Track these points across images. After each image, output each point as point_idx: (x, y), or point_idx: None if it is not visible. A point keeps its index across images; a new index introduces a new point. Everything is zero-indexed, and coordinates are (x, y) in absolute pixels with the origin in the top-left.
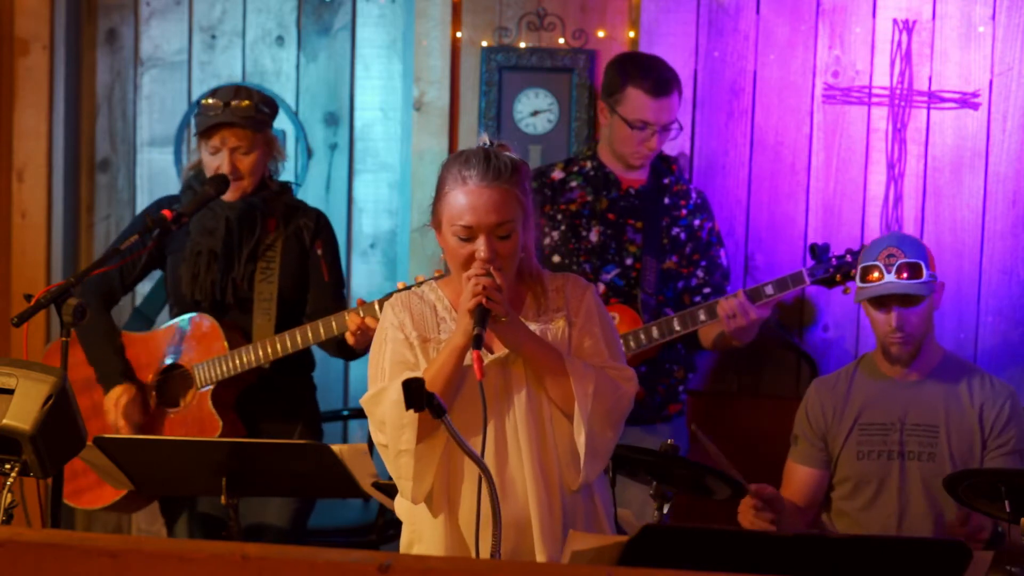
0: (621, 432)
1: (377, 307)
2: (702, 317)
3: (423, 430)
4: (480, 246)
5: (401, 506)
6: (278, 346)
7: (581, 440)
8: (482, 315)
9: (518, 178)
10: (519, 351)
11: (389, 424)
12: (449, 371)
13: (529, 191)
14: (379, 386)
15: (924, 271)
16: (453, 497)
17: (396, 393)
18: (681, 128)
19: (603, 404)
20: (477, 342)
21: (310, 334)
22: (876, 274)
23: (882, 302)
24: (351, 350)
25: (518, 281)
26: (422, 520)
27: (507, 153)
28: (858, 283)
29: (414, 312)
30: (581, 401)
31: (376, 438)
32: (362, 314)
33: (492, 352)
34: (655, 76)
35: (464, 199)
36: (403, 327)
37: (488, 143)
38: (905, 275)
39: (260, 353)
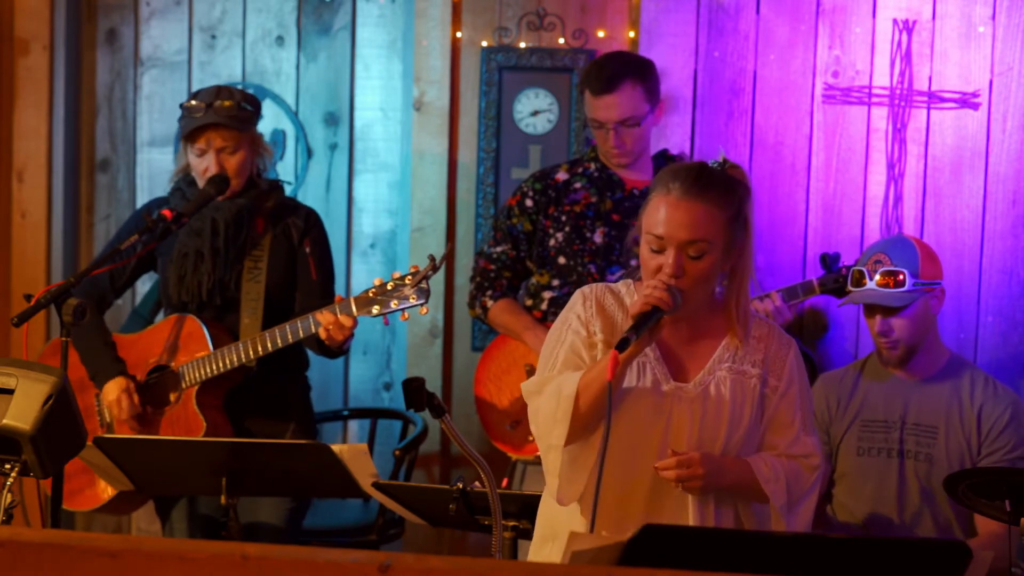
0: (815, 501)
1: (353, 305)
2: None
3: (579, 431)
4: (667, 260)
5: (545, 501)
6: (259, 345)
7: (782, 527)
8: (641, 322)
9: (729, 200)
10: (717, 488)
11: (543, 416)
12: (606, 379)
13: (745, 218)
14: (545, 376)
15: (908, 279)
16: (607, 506)
17: (557, 385)
18: (656, 123)
19: (796, 498)
20: (621, 344)
21: (288, 332)
22: (862, 280)
23: (868, 307)
24: (329, 348)
25: (719, 312)
26: (562, 519)
27: (733, 176)
28: (849, 286)
29: (606, 312)
30: (776, 498)
31: (532, 427)
32: (338, 311)
33: (676, 380)
34: (601, 74)
35: (663, 210)
36: (588, 324)
37: (720, 163)
38: (885, 283)
39: (243, 352)
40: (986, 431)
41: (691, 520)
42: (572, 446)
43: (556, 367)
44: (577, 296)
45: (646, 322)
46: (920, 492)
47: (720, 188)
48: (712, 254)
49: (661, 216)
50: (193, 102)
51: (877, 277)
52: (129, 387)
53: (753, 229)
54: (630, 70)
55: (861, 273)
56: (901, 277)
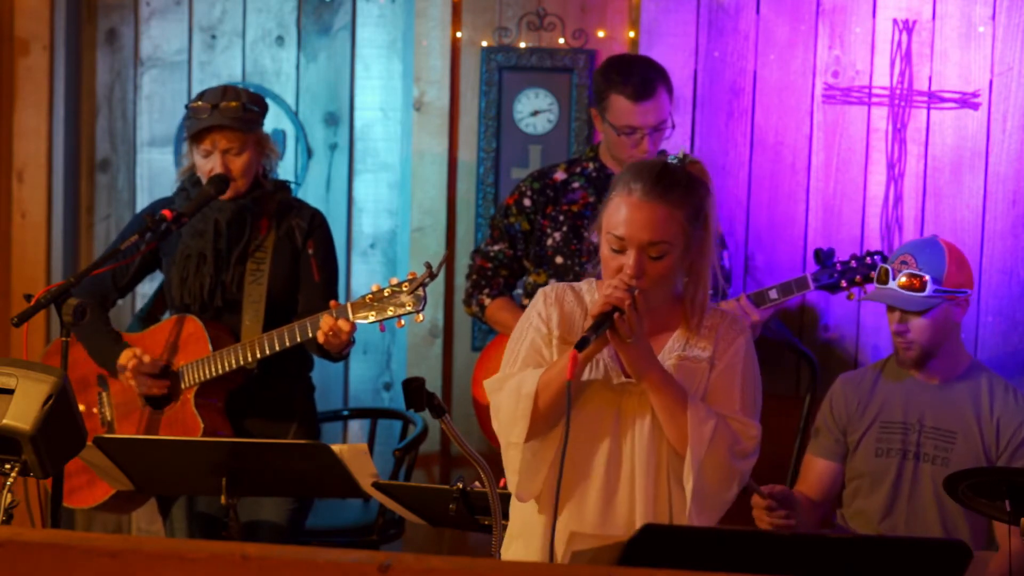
0: (735, 490)
1: (349, 310)
2: None
3: (539, 428)
4: (628, 261)
5: (514, 499)
6: (257, 348)
7: (689, 487)
8: (600, 322)
9: (689, 199)
10: (641, 378)
11: (503, 413)
12: (565, 378)
13: (705, 216)
14: (506, 373)
15: (929, 285)
16: (562, 500)
17: (517, 383)
18: (674, 127)
19: (718, 454)
20: (581, 344)
21: (287, 336)
22: (885, 277)
23: (888, 305)
24: (329, 352)
25: (676, 306)
26: (525, 516)
27: (693, 173)
28: (875, 282)
29: (565, 310)
30: (695, 446)
31: (493, 424)
32: (335, 316)
33: (626, 376)
34: (636, 80)
35: (624, 210)
36: (548, 321)
37: (679, 158)
38: (908, 285)
39: (243, 354)
40: (1005, 441)
41: (638, 514)
42: (531, 442)
43: (517, 364)
44: (539, 295)
45: (605, 322)
46: (933, 496)
47: (682, 188)
48: (672, 254)
49: (622, 217)
50: (199, 103)
51: (900, 278)
52: (137, 351)
53: (713, 226)
54: (659, 74)
55: (886, 271)
56: (923, 282)
